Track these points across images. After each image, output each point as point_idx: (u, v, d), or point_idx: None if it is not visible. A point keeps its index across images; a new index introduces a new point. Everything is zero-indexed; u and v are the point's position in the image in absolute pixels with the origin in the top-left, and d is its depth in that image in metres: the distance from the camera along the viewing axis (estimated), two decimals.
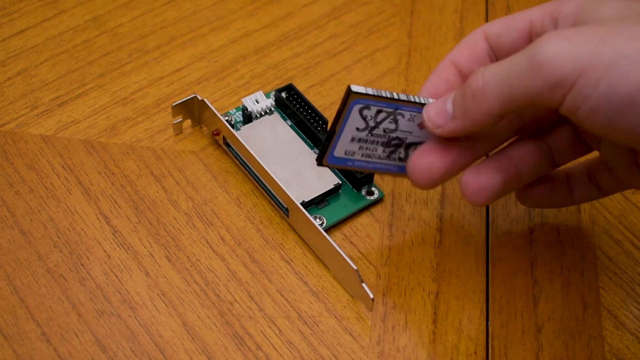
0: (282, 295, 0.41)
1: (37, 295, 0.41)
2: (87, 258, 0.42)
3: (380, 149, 0.39)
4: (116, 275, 0.41)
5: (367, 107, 0.37)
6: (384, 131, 0.38)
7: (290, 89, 0.47)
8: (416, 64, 0.52)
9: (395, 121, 0.38)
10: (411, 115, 0.38)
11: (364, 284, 0.39)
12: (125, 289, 0.41)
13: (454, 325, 0.41)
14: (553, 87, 0.32)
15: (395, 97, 0.37)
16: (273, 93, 0.48)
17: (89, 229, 0.43)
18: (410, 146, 0.39)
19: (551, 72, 0.32)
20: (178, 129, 0.47)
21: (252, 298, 0.41)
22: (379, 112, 0.37)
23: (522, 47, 0.35)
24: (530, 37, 0.37)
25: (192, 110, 0.47)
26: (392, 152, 0.39)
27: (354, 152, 0.39)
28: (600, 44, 0.31)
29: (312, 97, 0.50)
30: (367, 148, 0.39)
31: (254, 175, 0.45)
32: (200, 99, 0.46)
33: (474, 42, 0.39)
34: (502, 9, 0.56)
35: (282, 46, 0.53)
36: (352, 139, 0.38)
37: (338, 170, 0.45)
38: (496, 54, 0.38)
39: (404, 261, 0.43)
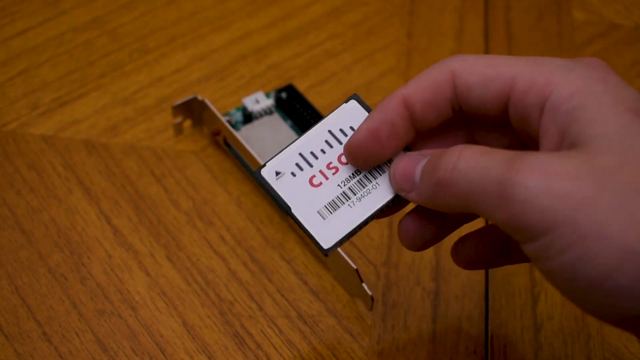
0: (282, 295, 0.41)
1: (38, 295, 0.41)
2: (88, 258, 0.42)
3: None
4: (117, 275, 0.42)
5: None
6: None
7: (290, 89, 0.47)
8: (416, 64, 0.53)
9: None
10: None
11: (363, 284, 0.39)
12: (126, 289, 0.41)
13: (453, 325, 0.41)
14: (515, 228, 0.27)
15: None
16: (273, 93, 0.48)
17: (89, 228, 0.43)
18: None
19: (519, 215, 0.27)
20: (178, 129, 0.48)
21: (252, 298, 0.41)
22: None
23: (493, 110, 0.31)
24: (507, 103, 0.30)
25: (193, 110, 0.47)
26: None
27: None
28: (582, 206, 0.26)
29: (312, 97, 0.50)
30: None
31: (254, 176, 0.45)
32: (200, 99, 0.46)
33: (437, 84, 0.31)
34: (502, 9, 0.56)
35: (282, 46, 0.53)
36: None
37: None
38: (461, 104, 0.31)
39: (403, 260, 0.43)
